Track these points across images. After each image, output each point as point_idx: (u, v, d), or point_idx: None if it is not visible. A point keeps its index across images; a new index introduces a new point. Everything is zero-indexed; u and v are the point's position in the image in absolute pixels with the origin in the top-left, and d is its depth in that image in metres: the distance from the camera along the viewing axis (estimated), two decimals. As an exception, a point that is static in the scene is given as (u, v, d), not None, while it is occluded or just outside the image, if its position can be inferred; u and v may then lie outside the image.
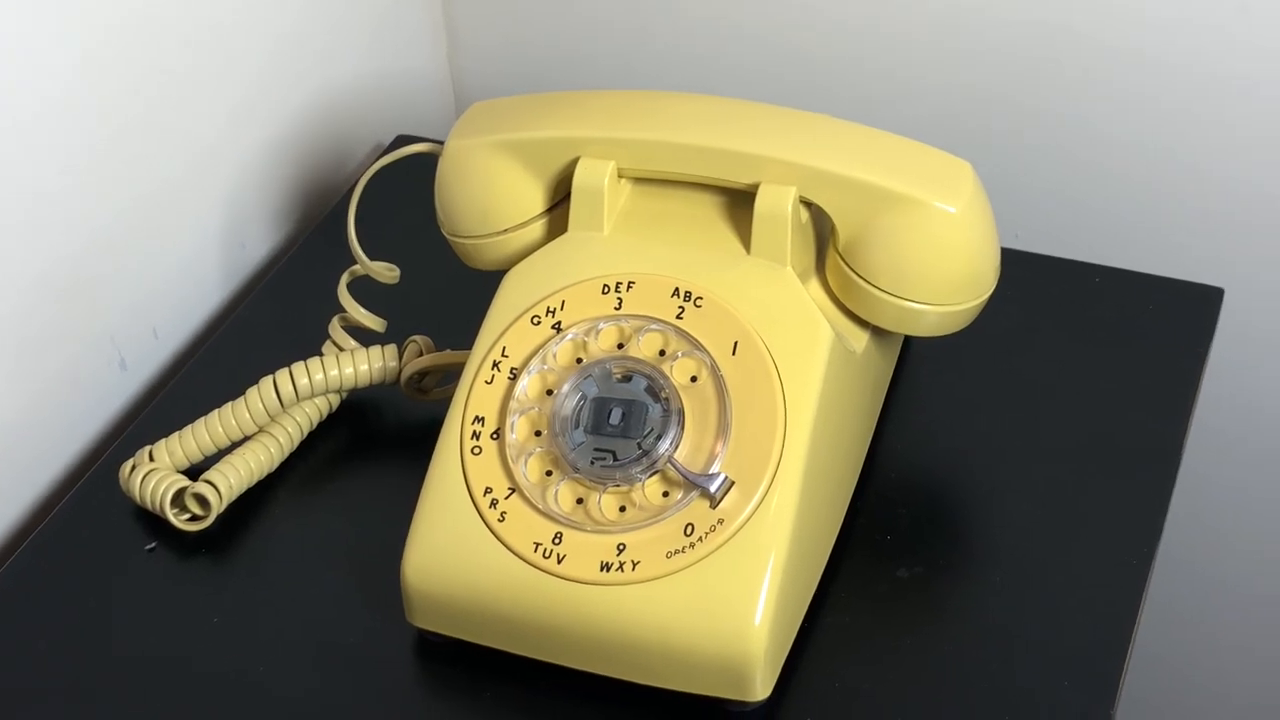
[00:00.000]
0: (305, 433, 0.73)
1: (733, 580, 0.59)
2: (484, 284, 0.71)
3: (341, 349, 0.73)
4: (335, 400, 0.74)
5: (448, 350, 0.73)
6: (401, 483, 0.71)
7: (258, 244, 0.86)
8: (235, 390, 0.72)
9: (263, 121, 0.84)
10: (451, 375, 0.73)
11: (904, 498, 0.69)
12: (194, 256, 0.82)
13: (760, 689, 0.60)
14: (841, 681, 0.62)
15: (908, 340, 0.74)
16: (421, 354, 0.73)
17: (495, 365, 0.64)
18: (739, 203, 0.66)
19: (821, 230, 0.67)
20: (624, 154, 0.66)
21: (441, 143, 0.70)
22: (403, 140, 0.91)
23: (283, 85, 0.85)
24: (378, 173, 0.72)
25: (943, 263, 0.64)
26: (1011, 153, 0.85)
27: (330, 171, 0.90)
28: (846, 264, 0.65)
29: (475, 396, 0.64)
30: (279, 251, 0.87)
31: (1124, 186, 0.84)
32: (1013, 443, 0.71)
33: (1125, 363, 0.74)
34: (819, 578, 0.65)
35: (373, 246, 0.73)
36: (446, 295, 0.78)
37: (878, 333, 0.67)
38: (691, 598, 0.59)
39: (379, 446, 0.74)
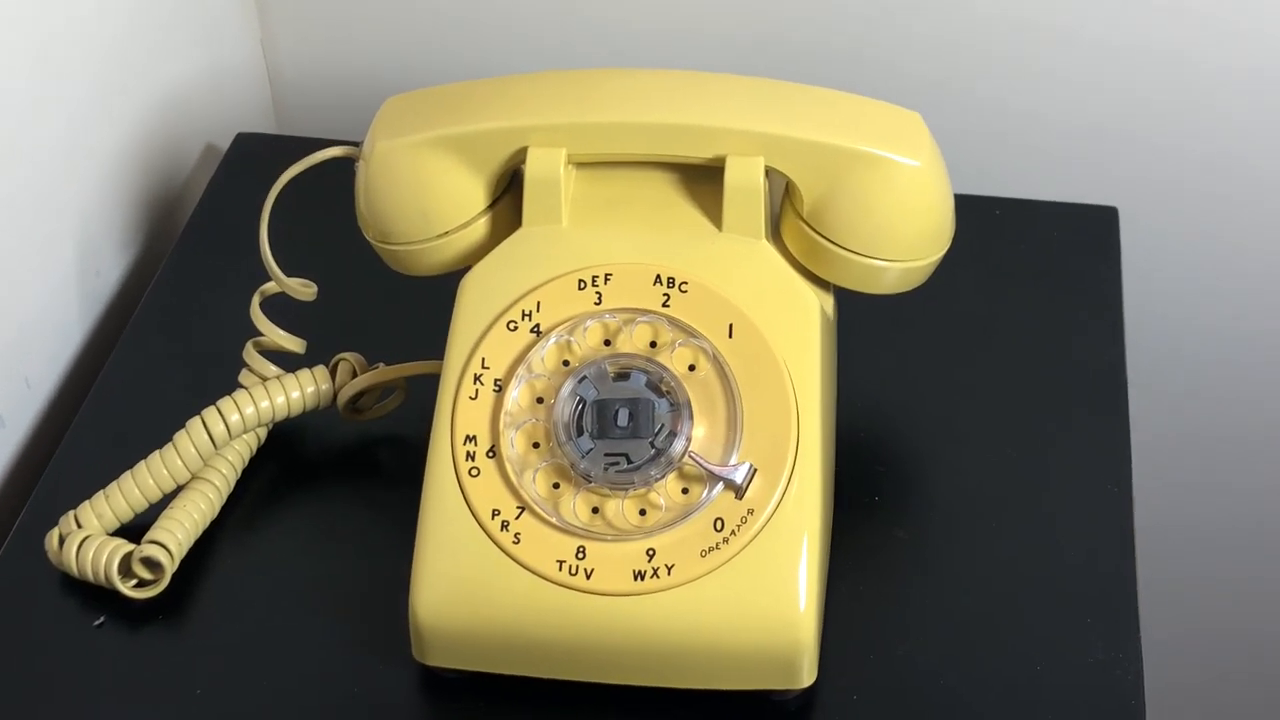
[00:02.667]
0: (239, 472, 0.67)
1: (772, 570, 0.57)
2: (405, 291, 0.67)
3: (264, 377, 0.68)
4: (264, 433, 0.68)
5: (381, 365, 0.69)
6: (354, 510, 0.67)
7: (112, 268, 0.79)
8: (136, 436, 0.66)
9: (93, 141, 0.77)
10: (387, 391, 0.69)
11: (879, 455, 0.68)
12: (52, 292, 0.74)
13: (808, 675, 0.58)
14: (875, 651, 0.61)
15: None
16: (356, 373, 0.68)
17: (477, 379, 0.60)
18: (694, 179, 0.63)
19: (773, 195, 0.65)
20: (575, 140, 0.62)
21: (349, 143, 0.65)
22: (245, 139, 0.85)
23: (107, 98, 0.78)
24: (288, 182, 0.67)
25: (912, 217, 0.63)
26: (887, 81, 0.85)
27: (170, 180, 0.83)
28: (812, 228, 0.63)
29: (461, 414, 0.60)
30: (133, 272, 0.80)
31: (1004, 111, 0.85)
32: (961, 388, 0.71)
33: (1047, 291, 0.75)
34: (830, 550, 0.64)
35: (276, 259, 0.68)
36: (362, 305, 0.73)
37: (835, 292, 0.67)
38: (734, 594, 0.57)
39: (321, 475, 0.69)
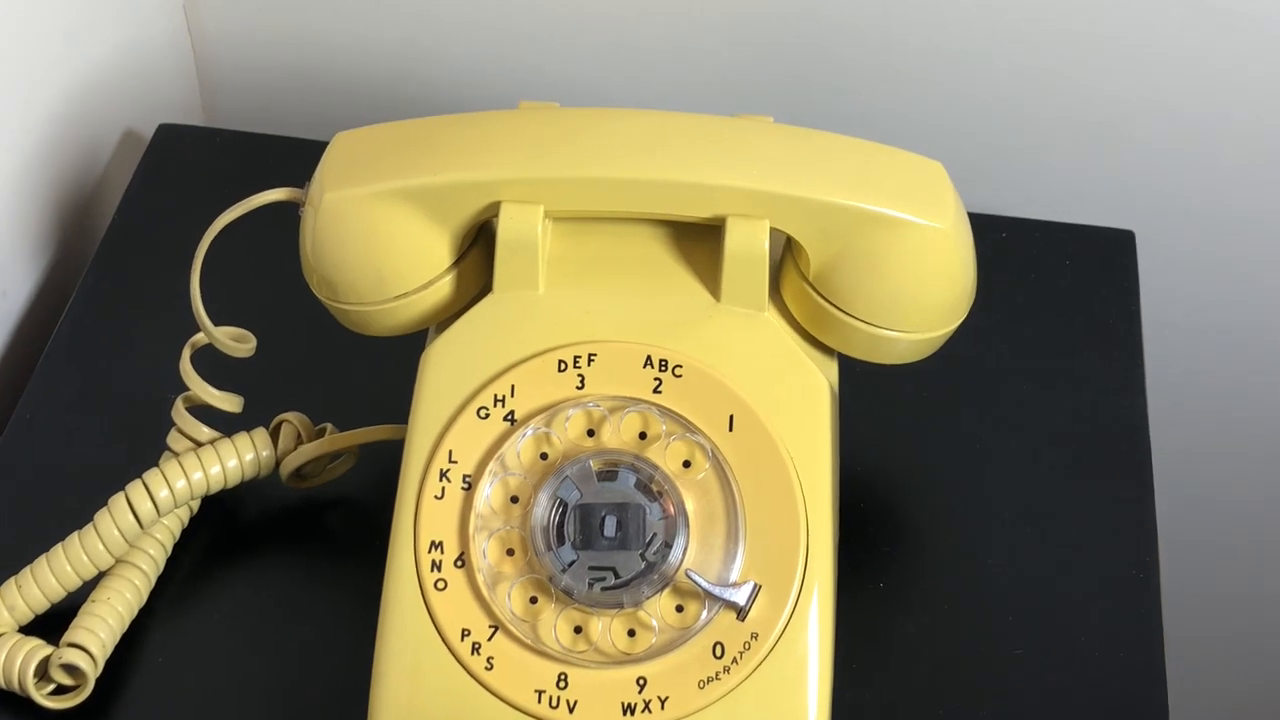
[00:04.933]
0: (169, 551, 0.60)
1: (779, 701, 0.51)
2: (350, 343, 0.59)
3: (196, 441, 0.60)
4: (196, 503, 0.61)
5: (329, 427, 0.61)
6: (305, 594, 0.60)
7: (19, 287, 0.70)
8: (45, 504, 0.59)
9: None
10: (336, 455, 0.62)
11: (884, 533, 0.62)
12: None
13: (818, 809, 0.53)
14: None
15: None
16: (301, 438, 0.60)
17: (443, 474, 0.53)
18: (691, 237, 0.56)
19: (773, 250, 0.58)
20: (554, 195, 0.54)
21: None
22: (166, 131, 0.76)
23: (10, 82, 0.69)
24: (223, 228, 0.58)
25: (932, 285, 0.56)
26: (889, 94, 0.77)
27: (83, 179, 0.75)
28: (819, 293, 0.56)
29: (425, 517, 0.53)
30: (43, 290, 0.71)
31: (1014, 126, 0.77)
32: (972, 446, 0.65)
33: (1059, 328, 0.69)
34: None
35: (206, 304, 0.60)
36: (308, 355, 0.66)
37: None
38: (735, 729, 0.51)
39: (262, 550, 0.61)
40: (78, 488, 0.61)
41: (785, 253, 0.57)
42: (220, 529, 0.61)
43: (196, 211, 0.60)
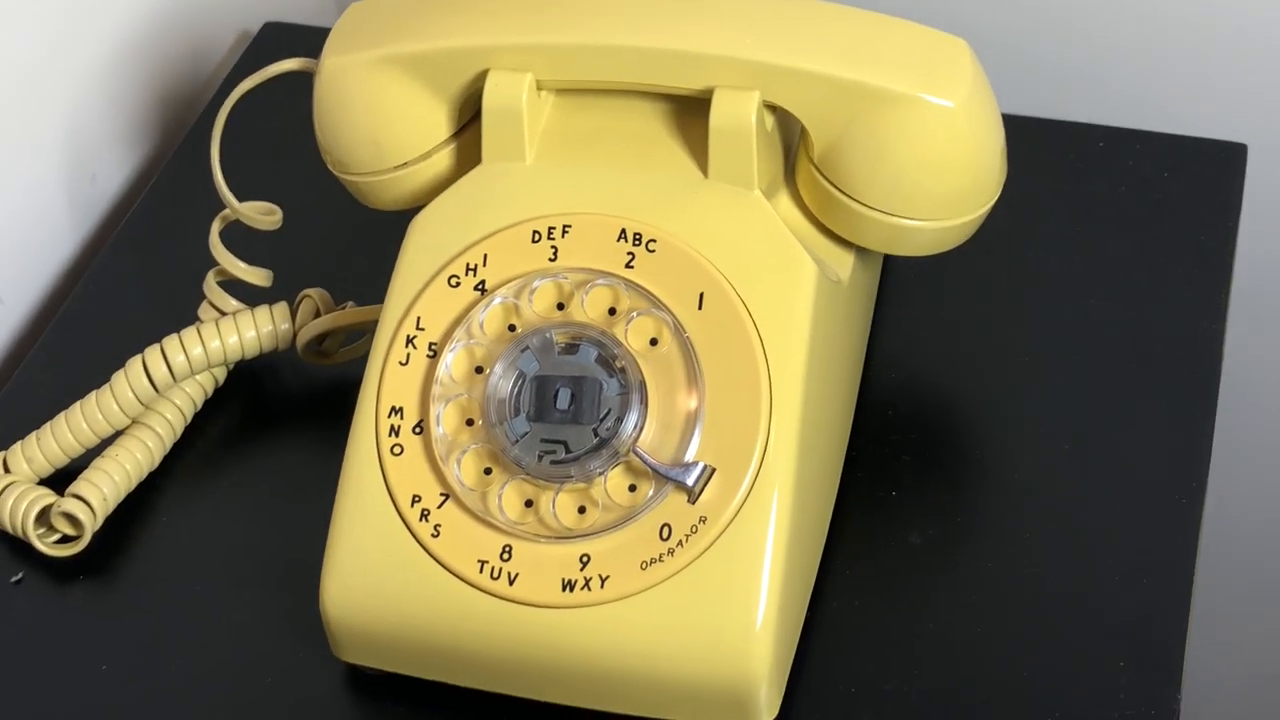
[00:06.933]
0: (188, 418, 0.61)
1: (723, 590, 0.49)
2: (386, 222, 0.59)
3: (222, 312, 0.61)
4: (222, 373, 0.62)
5: (349, 305, 0.61)
6: (312, 467, 0.60)
7: (111, 174, 0.73)
8: (99, 368, 0.60)
9: (103, 23, 0.71)
10: (356, 334, 0.62)
11: (905, 441, 0.58)
12: (35, 198, 0.68)
13: (766, 712, 0.50)
14: (858, 683, 0.52)
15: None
16: (319, 312, 0.61)
17: (410, 340, 0.52)
18: (689, 112, 0.54)
19: (789, 135, 0.55)
20: (542, 62, 0.53)
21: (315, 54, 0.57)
22: (273, 30, 0.77)
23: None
24: (242, 96, 0.60)
25: (941, 169, 0.53)
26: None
27: (189, 75, 0.77)
28: (824, 177, 0.53)
29: (389, 381, 0.52)
30: (138, 180, 0.74)
31: (1117, 30, 0.72)
32: (1022, 359, 0.61)
33: (1144, 243, 0.64)
34: (819, 559, 0.54)
35: (246, 182, 0.61)
36: (340, 236, 0.66)
37: (863, 251, 0.56)
38: (675, 616, 0.49)
39: (279, 424, 0.62)
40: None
41: (800, 138, 0.55)
42: (243, 401, 0.62)
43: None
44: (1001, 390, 0.60)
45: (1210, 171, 0.66)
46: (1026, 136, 0.61)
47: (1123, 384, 0.59)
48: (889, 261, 0.63)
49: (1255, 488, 0.79)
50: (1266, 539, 0.81)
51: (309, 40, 0.77)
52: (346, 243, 0.66)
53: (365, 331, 0.61)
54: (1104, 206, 0.65)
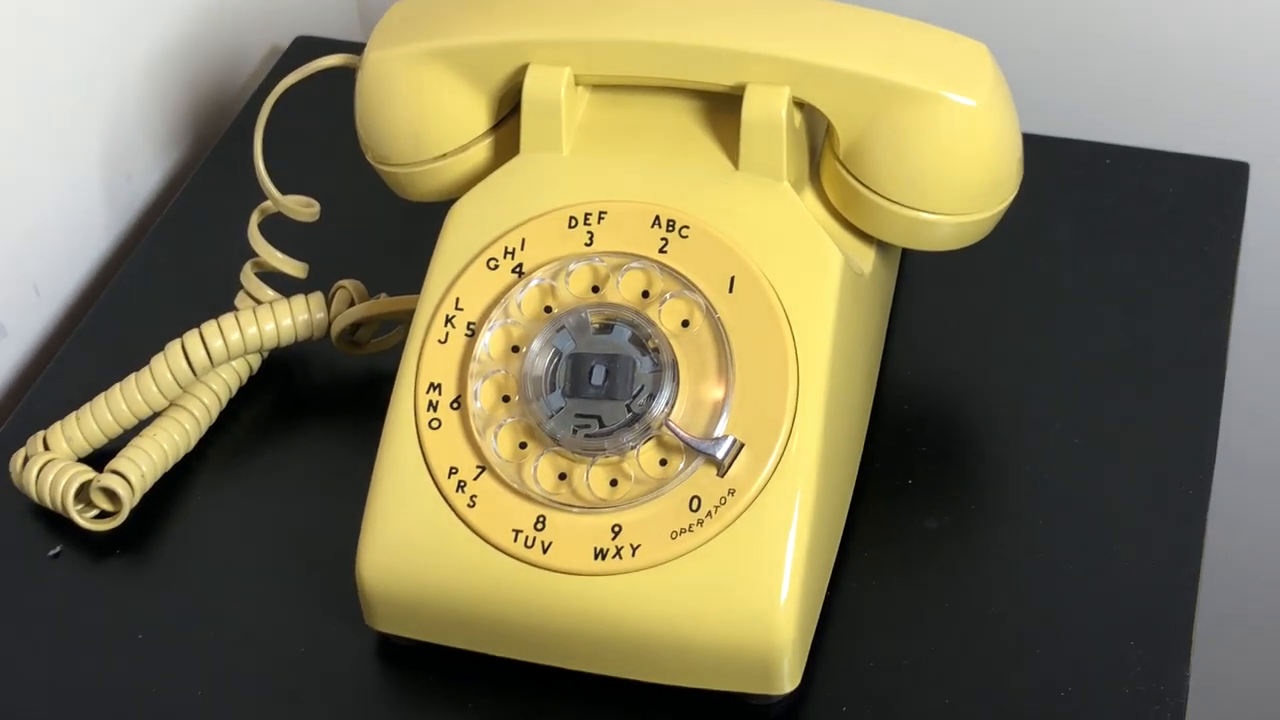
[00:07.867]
0: (224, 402, 0.62)
1: (750, 560, 0.50)
2: (420, 216, 0.61)
3: (259, 301, 0.63)
4: (256, 361, 0.64)
5: (382, 296, 0.63)
6: (344, 453, 0.62)
7: (146, 174, 0.75)
8: (136, 354, 0.62)
9: (145, 31, 0.73)
10: (390, 324, 0.64)
11: (922, 434, 0.60)
12: (74, 194, 0.70)
13: (789, 680, 0.51)
14: (876, 659, 0.54)
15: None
16: (353, 302, 0.63)
17: (449, 320, 0.54)
18: (721, 108, 0.56)
19: (815, 132, 0.58)
20: (581, 57, 0.55)
21: (357, 51, 0.59)
22: (303, 44, 0.80)
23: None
24: (284, 92, 0.62)
25: (962, 166, 0.55)
26: (993, 19, 0.76)
27: (224, 83, 0.79)
28: (849, 172, 0.56)
29: (428, 359, 0.54)
30: (171, 181, 0.76)
31: (1124, 52, 0.74)
32: (1036, 358, 0.63)
33: (1152, 256, 0.66)
34: (839, 538, 0.56)
35: (284, 177, 0.63)
36: (375, 230, 0.68)
37: (883, 247, 0.59)
38: (703, 584, 0.50)
39: (312, 411, 0.64)
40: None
41: (825, 134, 0.57)
42: (278, 387, 0.64)
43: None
44: (1014, 392, 0.62)
45: (1214, 188, 0.68)
46: (1039, 153, 0.64)
47: (1131, 385, 0.61)
48: (904, 271, 0.65)
49: (1256, 489, 0.81)
50: (1266, 540, 0.83)
51: (337, 53, 0.80)
52: (379, 238, 0.68)
53: (398, 322, 0.63)
54: (1112, 220, 0.67)
